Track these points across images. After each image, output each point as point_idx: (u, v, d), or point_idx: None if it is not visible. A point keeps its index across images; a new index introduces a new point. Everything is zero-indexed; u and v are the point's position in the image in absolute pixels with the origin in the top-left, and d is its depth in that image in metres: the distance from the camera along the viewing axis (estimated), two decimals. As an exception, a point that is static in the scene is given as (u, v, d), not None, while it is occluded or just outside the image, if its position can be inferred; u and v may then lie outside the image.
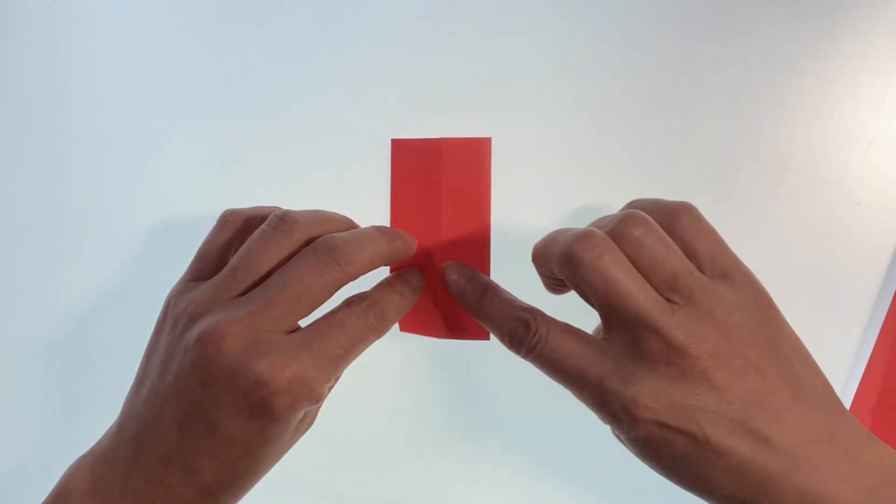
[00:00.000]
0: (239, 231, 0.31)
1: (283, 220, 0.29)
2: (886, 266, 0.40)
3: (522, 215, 0.42)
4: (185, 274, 0.31)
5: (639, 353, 0.25)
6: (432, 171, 0.32)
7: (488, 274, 0.32)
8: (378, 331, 0.30)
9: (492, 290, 0.30)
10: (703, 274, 0.27)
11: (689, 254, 0.27)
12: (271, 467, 0.30)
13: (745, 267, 0.28)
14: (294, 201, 0.44)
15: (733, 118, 0.41)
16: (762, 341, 0.26)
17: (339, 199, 0.44)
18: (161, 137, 0.46)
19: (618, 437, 0.27)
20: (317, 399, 0.27)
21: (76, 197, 0.47)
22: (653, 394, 0.25)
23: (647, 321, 0.25)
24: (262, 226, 0.30)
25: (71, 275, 0.47)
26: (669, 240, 0.27)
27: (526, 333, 0.27)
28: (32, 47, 0.47)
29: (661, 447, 0.25)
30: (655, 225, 0.26)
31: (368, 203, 0.44)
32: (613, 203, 0.42)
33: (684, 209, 0.28)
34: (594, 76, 0.42)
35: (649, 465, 0.26)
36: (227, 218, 0.32)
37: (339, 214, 0.32)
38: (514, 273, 0.42)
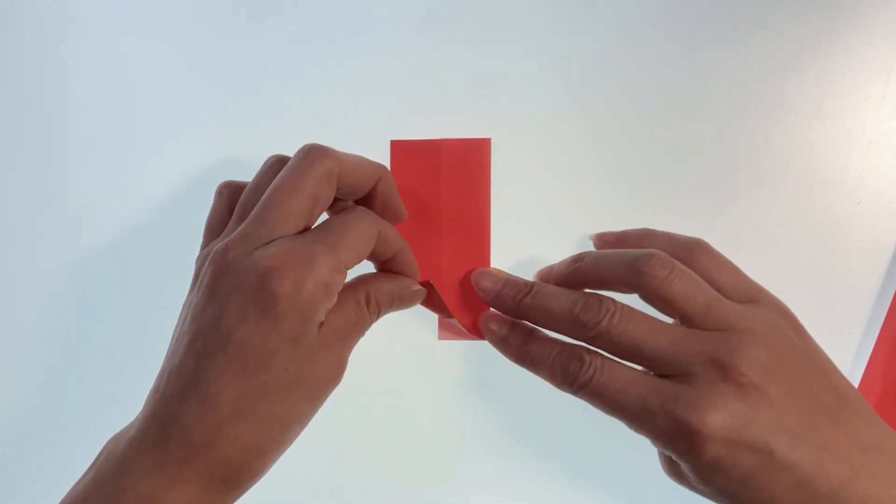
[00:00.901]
0: (234, 196, 0.32)
1: (270, 159, 0.31)
2: (886, 266, 0.40)
3: (523, 216, 0.42)
4: (202, 245, 0.32)
5: (692, 379, 0.26)
6: (432, 172, 0.32)
7: (488, 274, 0.32)
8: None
9: (536, 333, 0.30)
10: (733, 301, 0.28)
11: (713, 286, 0.28)
12: (294, 414, 0.28)
13: (767, 290, 0.29)
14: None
15: (733, 118, 0.41)
16: (801, 355, 0.27)
17: (339, 199, 0.44)
18: (161, 137, 0.46)
19: (677, 468, 0.27)
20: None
21: (76, 197, 0.47)
22: (718, 413, 0.25)
23: (691, 349, 0.26)
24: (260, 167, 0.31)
25: (70, 274, 0.47)
26: (695, 274, 0.28)
27: (579, 368, 0.28)
28: (32, 47, 0.47)
29: (729, 469, 0.25)
30: (679, 263, 0.28)
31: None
32: (614, 204, 0.42)
33: (698, 246, 0.29)
34: (594, 77, 0.42)
35: (714, 493, 0.26)
36: (219, 189, 0.32)
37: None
38: (513, 273, 0.42)
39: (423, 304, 0.34)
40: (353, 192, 0.30)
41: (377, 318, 0.31)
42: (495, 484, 0.46)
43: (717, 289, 0.28)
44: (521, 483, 0.47)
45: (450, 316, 0.34)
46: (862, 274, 0.40)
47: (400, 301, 0.31)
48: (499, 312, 0.32)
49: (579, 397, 0.28)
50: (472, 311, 0.33)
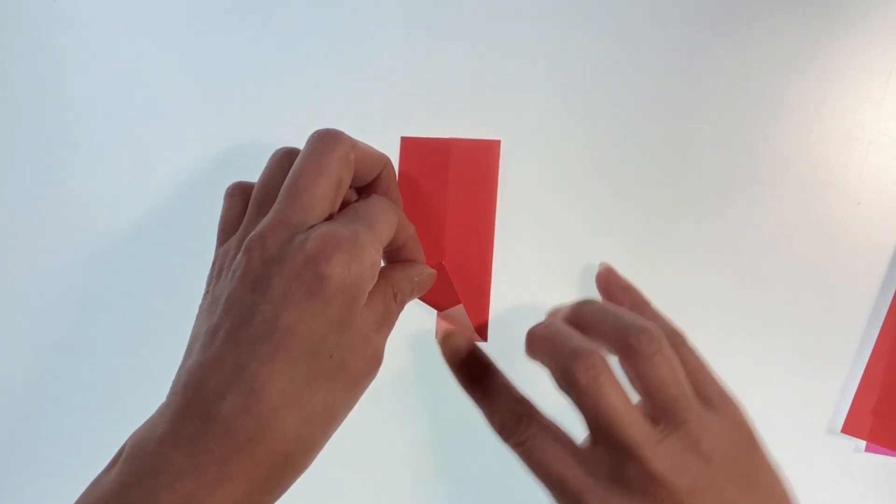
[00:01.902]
0: (246, 197, 0.32)
1: (279, 151, 0.31)
2: (886, 266, 0.40)
3: (523, 217, 0.42)
4: (216, 246, 0.32)
5: (619, 476, 0.26)
6: (440, 171, 0.33)
7: (489, 274, 0.32)
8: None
9: (492, 373, 0.30)
10: None
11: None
12: (337, 405, 0.27)
13: (729, 395, 0.28)
14: (294, 201, 0.44)
15: (733, 118, 0.41)
16: (740, 476, 0.26)
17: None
18: (161, 137, 0.46)
19: None
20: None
21: (75, 197, 0.47)
22: None
23: (633, 450, 0.25)
24: (268, 160, 0.31)
25: (69, 275, 0.47)
26: (678, 363, 0.27)
27: (515, 428, 0.28)
28: (32, 47, 0.47)
29: None
30: (668, 347, 0.27)
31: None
32: (614, 204, 0.42)
33: (678, 339, 0.29)
34: (595, 77, 0.42)
35: None
36: (228, 191, 0.32)
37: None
38: (514, 275, 0.42)
39: (420, 298, 0.34)
40: (363, 178, 0.31)
41: (402, 308, 0.31)
42: (495, 484, 0.46)
43: (645, 395, 0.27)
44: (520, 482, 0.46)
45: (446, 307, 0.34)
46: (862, 274, 0.40)
47: (419, 288, 0.32)
48: (459, 331, 0.31)
49: (511, 451, 0.28)
50: (471, 309, 0.33)
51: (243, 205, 0.31)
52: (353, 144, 0.29)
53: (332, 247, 0.26)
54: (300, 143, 0.45)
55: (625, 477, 0.25)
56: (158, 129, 0.46)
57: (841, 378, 0.41)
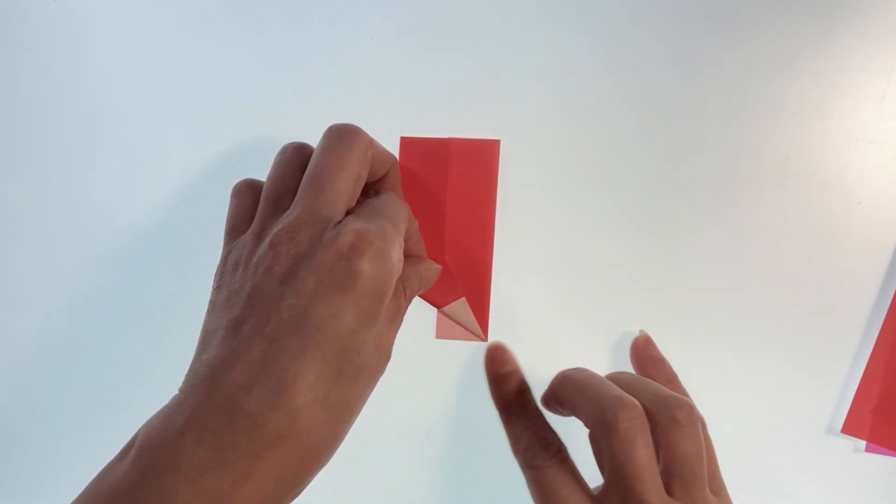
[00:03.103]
0: (255, 195, 0.32)
1: (289, 147, 0.31)
2: (886, 266, 0.40)
3: (523, 216, 0.42)
4: (224, 245, 0.31)
5: None
6: (440, 170, 0.33)
7: (489, 274, 0.32)
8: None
9: (529, 397, 0.31)
10: None
11: (668, 461, 0.28)
12: (358, 400, 0.27)
13: (727, 492, 0.30)
14: (294, 201, 0.44)
15: (733, 118, 0.41)
16: None
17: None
18: (161, 137, 0.46)
19: None
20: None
21: (75, 198, 0.47)
22: None
23: None
24: (276, 157, 0.31)
25: (68, 277, 0.47)
26: (709, 445, 0.28)
27: (541, 453, 0.29)
28: (32, 47, 0.47)
29: None
30: (705, 428, 0.28)
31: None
32: (613, 203, 0.42)
33: (701, 422, 0.29)
34: (594, 77, 0.42)
35: None
36: (235, 189, 0.32)
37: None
38: (514, 274, 0.42)
39: (421, 295, 0.34)
40: (373, 175, 0.31)
41: (409, 303, 0.31)
42: (495, 484, 0.46)
43: (669, 464, 0.27)
44: (521, 482, 0.46)
45: (447, 304, 0.34)
46: (862, 274, 0.40)
47: (425, 282, 0.32)
48: (510, 357, 0.32)
49: (523, 474, 0.29)
50: (472, 308, 0.33)
51: (252, 202, 0.31)
52: (371, 141, 0.29)
53: (365, 243, 0.25)
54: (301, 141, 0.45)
55: None
56: (158, 129, 0.46)
57: (841, 378, 0.41)
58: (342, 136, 0.28)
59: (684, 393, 0.31)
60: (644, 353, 0.33)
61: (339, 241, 0.25)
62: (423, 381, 0.45)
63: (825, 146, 0.41)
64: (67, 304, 0.48)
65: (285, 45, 0.45)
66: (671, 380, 0.32)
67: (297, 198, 0.28)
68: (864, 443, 0.41)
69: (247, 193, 0.31)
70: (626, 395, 0.27)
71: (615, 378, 0.30)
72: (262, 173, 0.45)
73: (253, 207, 0.30)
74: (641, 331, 0.34)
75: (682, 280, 0.42)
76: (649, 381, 0.30)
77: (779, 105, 0.41)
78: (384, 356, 0.29)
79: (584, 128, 0.42)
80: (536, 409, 0.31)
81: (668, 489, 0.27)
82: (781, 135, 0.41)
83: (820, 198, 0.41)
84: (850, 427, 0.41)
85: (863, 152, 0.40)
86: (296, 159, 0.30)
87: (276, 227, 0.27)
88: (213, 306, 0.28)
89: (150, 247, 0.47)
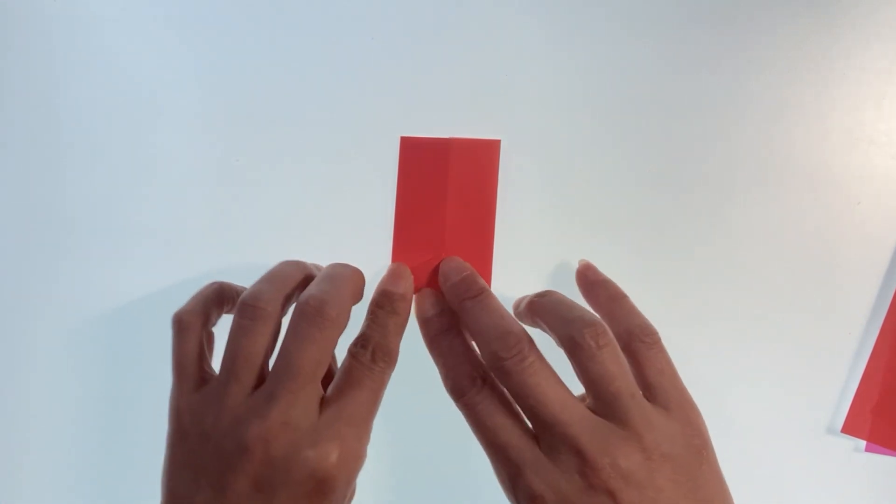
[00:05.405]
0: (203, 329, 0.31)
1: (251, 305, 0.28)
2: (886, 266, 0.40)
3: (523, 216, 0.42)
4: (175, 385, 0.30)
5: (556, 455, 0.26)
6: (440, 171, 0.33)
7: (489, 274, 0.32)
8: (391, 367, 0.30)
9: (456, 333, 0.31)
10: (647, 400, 0.27)
11: (639, 378, 0.28)
12: None
13: (691, 402, 0.28)
14: (295, 201, 0.44)
15: (734, 119, 0.41)
16: (684, 479, 0.26)
17: (340, 198, 0.44)
18: (160, 137, 0.46)
19: None
20: (363, 461, 0.28)
21: (74, 198, 0.47)
22: (557, 498, 0.25)
23: (567, 430, 0.26)
24: (235, 318, 0.29)
25: (68, 279, 0.47)
26: (623, 360, 0.28)
27: (467, 389, 0.28)
28: (31, 47, 0.47)
29: None
30: (614, 342, 0.28)
31: (372, 203, 0.44)
32: (613, 204, 0.42)
33: (649, 336, 0.29)
34: (595, 77, 0.42)
35: None
36: (182, 324, 0.31)
37: (288, 265, 0.31)
38: (514, 276, 0.42)
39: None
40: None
41: (390, 363, 0.30)
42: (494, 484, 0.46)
43: (641, 381, 0.28)
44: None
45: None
46: (862, 274, 0.41)
47: (403, 303, 0.31)
48: (441, 295, 0.32)
49: (460, 411, 0.29)
50: None
51: (198, 341, 0.30)
52: (342, 326, 0.28)
53: (341, 465, 0.26)
54: (301, 144, 0.45)
55: (562, 456, 0.26)
56: (157, 129, 0.46)
57: (841, 378, 0.41)
58: (310, 326, 0.27)
59: (630, 311, 0.30)
60: (586, 279, 0.33)
61: (317, 467, 0.26)
62: (424, 381, 0.45)
63: (825, 146, 0.41)
64: (67, 304, 0.48)
65: (285, 45, 0.45)
66: (616, 299, 0.31)
67: (269, 387, 0.28)
68: (864, 443, 0.41)
69: (197, 326, 0.31)
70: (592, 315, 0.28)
71: (536, 301, 0.30)
72: (261, 173, 0.45)
73: (199, 346, 0.31)
74: (581, 259, 0.34)
75: (681, 280, 0.42)
76: (569, 303, 0.30)
77: (779, 105, 0.41)
78: (353, 474, 0.29)
79: (585, 128, 0.42)
80: (463, 344, 0.30)
81: (595, 413, 0.27)
82: (782, 135, 0.41)
83: (820, 198, 0.41)
84: (850, 427, 0.41)
85: (863, 152, 0.40)
86: (256, 333, 0.28)
87: (251, 422, 0.27)
88: (173, 444, 0.28)
89: (150, 247, 0.47)
